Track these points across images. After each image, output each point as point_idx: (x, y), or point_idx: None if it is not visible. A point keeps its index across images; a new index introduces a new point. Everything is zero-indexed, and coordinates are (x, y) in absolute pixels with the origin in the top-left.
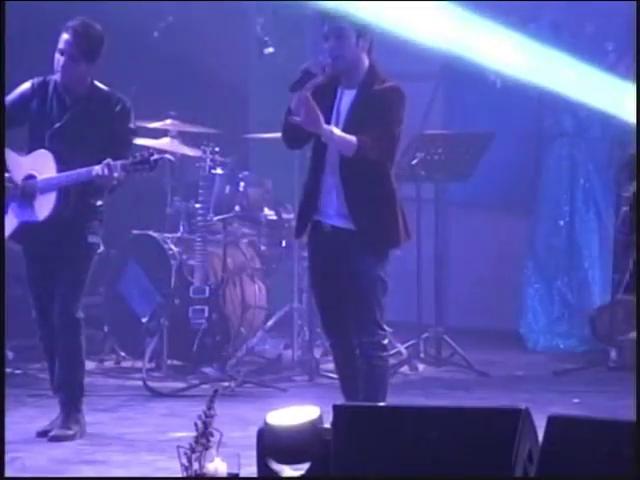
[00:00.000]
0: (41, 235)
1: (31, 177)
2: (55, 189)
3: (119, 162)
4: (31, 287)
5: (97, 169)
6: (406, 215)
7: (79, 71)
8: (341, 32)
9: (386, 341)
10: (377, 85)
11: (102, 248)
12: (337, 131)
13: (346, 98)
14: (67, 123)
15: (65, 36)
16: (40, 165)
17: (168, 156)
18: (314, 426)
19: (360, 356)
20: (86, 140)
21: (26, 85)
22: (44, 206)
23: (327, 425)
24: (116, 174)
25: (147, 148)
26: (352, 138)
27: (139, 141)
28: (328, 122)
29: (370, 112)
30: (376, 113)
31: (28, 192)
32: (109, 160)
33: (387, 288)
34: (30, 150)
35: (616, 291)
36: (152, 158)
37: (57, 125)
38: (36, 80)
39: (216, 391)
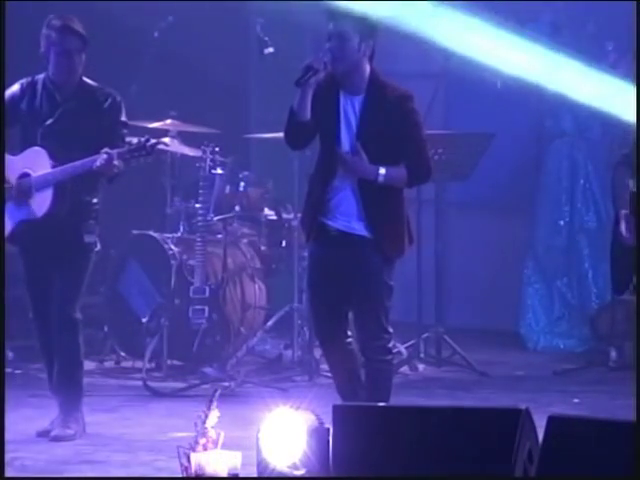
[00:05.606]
0: (38, 235)
1: (25, 175)
2: (52, 185)
3: (116, 150)
4: (28, 288)
5: (97, 160)
6: (410, 220)
7: (81, 66)
8: (344, 34)
9: (391, 344)
10: (389, 92)
11: (99, 247)
12: (383, 171)
13: (353, 103)
14: (59, 119)
15: (64, 35)
16: (34, 163)
17: (165, 140)
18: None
19: (364, 359)
20: (79, 135)
21: (15, 87)
22: (41, 203)
23: (327, 425)
24: (115, 162)
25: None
26: (401, 172)
27: None
28: (337, 126)
29: (391, 125)
30: (408, 136)
31: (24, 191)
32: (107, 149)
33: (392, 292)
34: (23, 149)
35: (616, 291)
36: (148, 144)
37: (49, 122)
38: (24, 80)
39: (216, 391)
